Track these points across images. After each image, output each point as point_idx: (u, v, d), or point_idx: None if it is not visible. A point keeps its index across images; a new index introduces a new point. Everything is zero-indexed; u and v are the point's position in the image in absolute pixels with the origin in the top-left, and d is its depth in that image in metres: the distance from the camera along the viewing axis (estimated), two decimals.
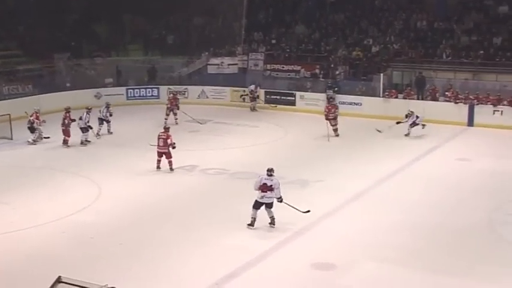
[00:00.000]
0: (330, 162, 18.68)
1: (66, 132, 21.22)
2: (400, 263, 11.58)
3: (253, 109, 27.82)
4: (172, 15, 32.61)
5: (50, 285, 7.77)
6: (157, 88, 29.65)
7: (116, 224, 13.61)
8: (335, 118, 22.47)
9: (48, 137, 21.40)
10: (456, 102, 24.55)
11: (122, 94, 29.30)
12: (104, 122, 22.74)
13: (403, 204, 14.76)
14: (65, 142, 21.15)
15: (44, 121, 21.54)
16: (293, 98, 27.89)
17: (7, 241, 12.69)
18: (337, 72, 28.69)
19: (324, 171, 17.45)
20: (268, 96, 28.38)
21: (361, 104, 26.33)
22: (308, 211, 13.42)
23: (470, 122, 24.06)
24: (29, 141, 21.15)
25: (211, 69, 30.80)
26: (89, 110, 21.66)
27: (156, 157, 17.74)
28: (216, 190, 16.16)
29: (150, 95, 29.52)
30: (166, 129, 18.18)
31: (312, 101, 27.42)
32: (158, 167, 17.80)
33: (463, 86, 25.52)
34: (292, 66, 29.88)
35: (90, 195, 15.53)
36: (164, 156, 17.72)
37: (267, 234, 12.92)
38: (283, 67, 30.12)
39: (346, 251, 12.12)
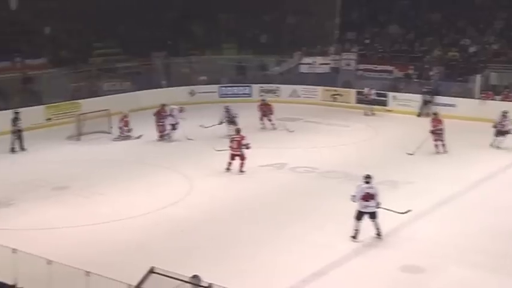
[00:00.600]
0: (420, 164, 18.28)
1: (161, 128, 21.85)
2: (491, 268, 11.21)
3: (368, 114, 26.39)
4: (265, 14, 32.84)
5: (143, 275, 8.06)
6: (249, 86, 29.98)
7: (207, 219, 13.90)
8: (441, 133, 19.83)
9: (141, 135, 22.00)
10: None
11: (215, 92, 29.82)
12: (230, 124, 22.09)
13: (495, 210, 14.25)
14: (161, 137, 21.81)
15: (130, 129, 22.01)
16: (385, 99, 27.47)
17: (103, 231, 13.22)
18: (432, 73, 27.99)
19: (414, 173, 17.10)
20: (359, 96, 28.07)
21: (455, 106, 25.58)
22: (408, 211, 13.02)
23: None
24: (115, 138, 21.89)
25: (303, 69, 30.80)
26: (181, 108, 22.13)
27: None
28: (304, 188, 16.18)
29: (242, 93, 29.86)
30: (239, 130, 17.97)
31: (405, 101, 26.90)
32: (228, 169, 17.41)
33: None
34: (385, 66, 29.42)
35: (183, 189, 15.92)
36: (238, 158, 17.43)
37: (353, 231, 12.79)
38: (375, 67, 29.70)
39: (435, 254, 11.83)
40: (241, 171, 17.31)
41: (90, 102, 24.67)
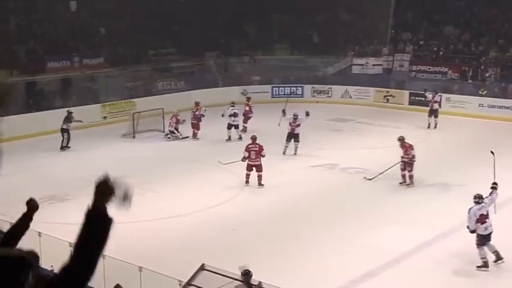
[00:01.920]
0: (474, 167, 17.82)
1: (196, 126, 22.09)
2: None
3: (430, 126, 23.71)
4: (318, 14, 32.66)
5: (194, 271, 8.15)
6: (302, 87, 29.91)
7: (257, 217, 13.98)
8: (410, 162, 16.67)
9: (188, 137, 22.18)
10: None
11: (267, 92, 29.88)
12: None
13: None
14: (194, 135, 22.10)
15: (184, 120, 22.16)
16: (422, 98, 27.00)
17: (157, 227, 13.45)
18: (488, 74, 27.36)
19: (467, 177, 16.73)
20: (412, 98, 27.67)
21: None
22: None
23: None
24: (169, 138, 22.11)
25: (355, 69, 30.57)
26: (232, 105, 22.21)
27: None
28: (355, 189, 16.08)
29: (294, 93, 29.84)
30: (255, 138, 16.46)
31: (459, 103, 26.38)
32: (247, 182, 16.20)
33: None
34: (439, 67, 28.91)
35: (233, 188, 16.04)
36: (255, 169, 16.07)
37: (407, 235, 12.64)
38: (429, 68, 29.22)
39: (491, 259, 11.56)
40: (261, 184, 16.02)
41: (145, 101, 25.06)
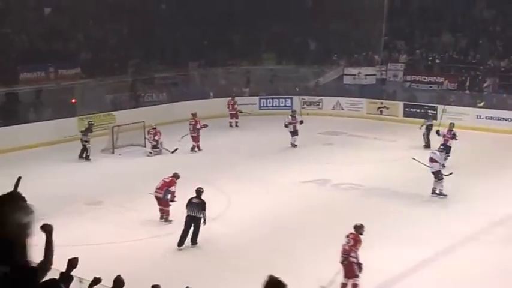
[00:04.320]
0: (473, 182, 17.93)
1: (196, 138, 22.19)
2: None
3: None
4: (308, 22, 32.76)
5: None
6: (291, 98, 29.95)
7: (245, 236, 13.89)
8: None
9: (177, 149, 22.13)
10: None
11: (255, 104, 29.91)
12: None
13: None
14: (193, 148, 22.21)
15: (205, 125, 22.43)
16: (434, 112, 27.12)
17: (133, 249, 13.31)
18: (485, 85, 27.54)
19: (466, 192, 16.79)
20: (407, 109, 27.77)
21: (511, 120, 25.12)
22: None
23: None
24: (150, 153, 22.03)
25: (347, 80, 30.67)
26: (293, 112, 22.98)
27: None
28: (348, 206, 16.04)
29: (283, 105, 29.85)
30: (175, 176, 15.31)
31: (456, 115, 26.48)
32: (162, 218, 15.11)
33: None
34: (435, 77, 29.09)
35: (220, 205, 15.94)
36: (157, 202, 15.08)
37: (403, 255, 12.61)
38: (424, 78, 29.38)
39: (496, 280, 11.55)
40: (163, 218, 14.90)
41: (125, 114, 24.96)
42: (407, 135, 24.68)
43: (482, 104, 26.53)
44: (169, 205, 14.81)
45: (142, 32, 30.13)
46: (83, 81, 27.27)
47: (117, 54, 29.63)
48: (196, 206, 13.45)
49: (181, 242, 13.27)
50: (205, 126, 22.48)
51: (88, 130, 21.48)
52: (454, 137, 19.67)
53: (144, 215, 15.23)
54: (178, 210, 14.22)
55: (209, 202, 16.03)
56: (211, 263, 12.63)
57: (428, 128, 22.95)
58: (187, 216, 13.42)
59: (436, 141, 20.26)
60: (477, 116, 26.10)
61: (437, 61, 29.76)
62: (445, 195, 16.39)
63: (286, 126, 22.80)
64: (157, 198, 14.90)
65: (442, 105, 25.41)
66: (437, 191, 16.49)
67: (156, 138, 22.02)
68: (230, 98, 27.50)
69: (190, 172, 19.24)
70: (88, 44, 29.18)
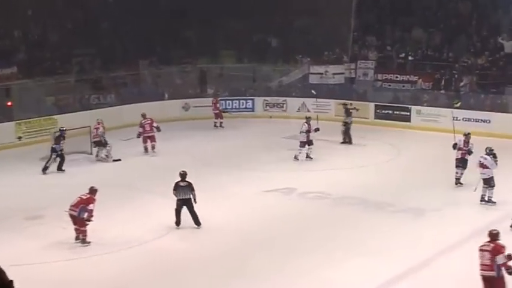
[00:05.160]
0: (449, 189, 18.21)
1: (152, 138, 22.57)
2: None
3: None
4: (271, 17, 32.86)
5: None
6: (252, 100, 30.01)
7: (205, 251, 13.85)
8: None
9: (119, 160, 21.98)
10: None
11: (212, 106, 29.84)
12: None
13: None
14: (146, 149, 22.62)
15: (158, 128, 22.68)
16: (408, 113, 27.48)
17: (81, 268, 13.17)
18: (462, 84, 27.99)
19: (441, 200, 17.05)
20: (378, 111, 28.06)
21: (489, 122, 25.59)
22: None
23: None
24: (102, 158, 21.90)
25: (313, 79, 30.78)
26: (308, 119, 22.34)
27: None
28: (317, 217, 16.14)
29: (244, 107, 29.85)
30: (92, 191, 14.94)
31: (431, 116, 26.89)
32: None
33: None
34: (408, 76, 29.45)
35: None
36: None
37: (375, 268, 12.72)
38: (396, 77, 29.73)
39: None
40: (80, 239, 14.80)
41: (68, 118, 24.68)
42: (378, 138, 24.98)
43: (458, 104, 26.88)
44: (86, 224, 14.54)
45: (87, 28, 29.84)
46: (19, 81, 26.89)
47: (58, 52, 29.28)
48: (184, 189, 15.24)
49: (178, 222, 15.17)
50: (157, 129, 22.66)
51: (60, 138, 20.86)
52: (469, 152, 18.41)
53: (91, 230, 15.09)
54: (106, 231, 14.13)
55: (162, 216, 16.07)
56: (163, 282, 12.54)
57: (347, 126, 23.96)
58: (178, 200, 15.19)
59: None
60: (453, 117, 26.45)
61: (410, 58, 30.13)
62: (494, 203, 16.58)
63: (303, 132, 21.89)
64: (71, 216, 14.60)
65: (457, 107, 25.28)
66: (487, 198, 16.66)
67: (99, 132, 21.85)
68: (213, 98, 27.92)
69: (142, 181, 19.19)
70: (25, 41, 28.78)
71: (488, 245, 10.92)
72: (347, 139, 24.04)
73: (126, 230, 15.19)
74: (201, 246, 14.25)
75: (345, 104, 25.35)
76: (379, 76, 30.14)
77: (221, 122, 27.53)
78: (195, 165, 21.04)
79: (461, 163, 18.43)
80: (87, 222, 14.48)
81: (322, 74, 30.54)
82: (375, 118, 28.03)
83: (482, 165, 16.80)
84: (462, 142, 18.61)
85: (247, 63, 32.46)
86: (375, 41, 31.53)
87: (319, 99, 27.38)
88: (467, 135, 18.81)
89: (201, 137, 24.84)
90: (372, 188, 18.20)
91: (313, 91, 26.00)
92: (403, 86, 29.40)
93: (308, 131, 21.85)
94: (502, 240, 10.88)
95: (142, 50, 31.08)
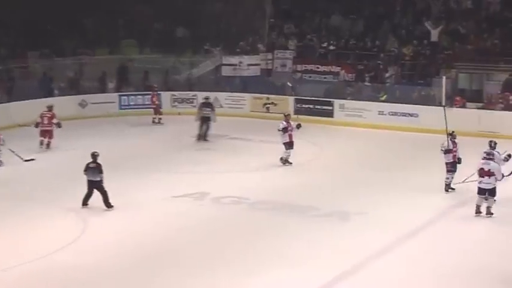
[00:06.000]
0: (376, 189, 18.46)
1: (50, 134, 22.78)
2: None
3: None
4: (176, 2, 32.68)
5: None
6: (158, 94, 29.65)
7: (104, 268, 13.54)
8: None
9: (33, 159, 21.54)
10: None
11: (114, 102, 29.46)
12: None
13: (469, 245, 14.52)
14: (42, 143, 22.73)
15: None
16: (330, 108, 27.81)
17: None
18: (387, 75, 28.54)
19: (367, 202, 17.25)
20: (298, 105, 28.27)
21: (417, 116, 26.18)
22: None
23: None
24: None
25: (226, 71, 30.79)
26: (287, 116, 21.66)
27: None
28: (232, 224, 16.05)
29: (149, 103, 29.61)
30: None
31: (355, 111, 27.30)
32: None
33: None
34: (330, 67, 29.82)
35: (72, 230, 15.52)
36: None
37: (300, 278, 12.75)
38: (317, 68, 30.06)
39: None
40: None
41: None
42: (300, 136, 25.12)
43: (384, 97, 27.49)
44: None
45: None
46: None
47: None
48: (93, 170, 16.73)
49: (84, 202, 16.79)
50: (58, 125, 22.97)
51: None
52: (459, 161, 17.90)
53: None
54: None
55: (57, 227, 15.70)
56: None
57: (205, 121, 24.41)
58: (88, 180, 16.77)
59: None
60: (379, 112, 27.00)
61: (332, 48, 30.50)
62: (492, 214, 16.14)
63: (280, 131, 21.17)
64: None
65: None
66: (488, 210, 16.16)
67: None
68: (151, 92, 28.17)
69: (29, 189, 18.66)
70: None
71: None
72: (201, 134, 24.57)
73: (13, 243, 14.76)
74: (97, 263, 13.88)
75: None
76: (299, 67, 30.39)
77: (160, 118, 27.68)
78: None
79: (454, 167, 17.99)
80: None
81: (235, 65, 30.56)
82: (294, 113, 28.21)
83: (488, 173, 15.99)
84: (450, 143, 18.02)
85: (150, 54, 32.14)
86: (293, 28, 31.78)
87: (234, 94, 27.60)
88: (452, 134, 18.23)
89: (101, 136, 24.41)
90: (292, 191, 18.27)
91: (289, 83, 25.92)
92: (325, 78, 29.72)
93: (286, 129, 21.13)
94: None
95: (32, 40, 30.34)
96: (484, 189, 15.80)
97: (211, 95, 29.40)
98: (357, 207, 16.74)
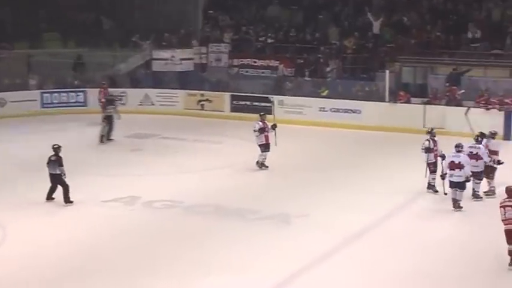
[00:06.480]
0: (317, 189, 18.58)
1: None
2: None
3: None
4: None
5: None
6: (84, 92, 29.46)
7: (28, 279, 13.33)
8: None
9: None
10: (488, 108, 24.67)
11: (35, 100, 29.01)
12: None
13: (417, 246, 14.69)
14: None
15: None
16: (269, 104, 27.82)
17: None
18: (328, 69, 28.72)
19: (308, 203, 17.33)
20: (235, 102, 28.27)
21: (360, 112, 26.40)
22: None
23: (507, 135, 24.17)
24: None
25: (157, 66, 30.65)
26: (262, 116, 21.16)
27: None
28: (165, 230, 15.94)
29: (74, 101, 29.30)
30: None
31: (295, 107, 27.39)
32: None
33: (497, 86, 25.68)
34: (268, 61, 29.88)
35: None
36: None
37: (242, 285, 12.72)
38: (255, 62, 30.10)
39: None
40: None
41: None
42: (236, 135, 25.16)
43: (325, 93, 27.65)
44: None
45: None
46: None
47: None
48: (53, 163, 17.31)
49: (48, 197, 17.48)
50: None
51: None
52: (442, 156, 17.07)
53: None
54: None
55: None
56: None
57: (108, 118, 24.23)
58: (49, 174, 17.39)
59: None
60: (320, 108, 27.15)
61: (270, 41, 30.58)
62: (481, 198, 17.39)
63: (256, 131, 20.66)
64: None
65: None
66: (480, 193, 17.42)
67: None
68: (100, 87, 26.84)
69: None
70: None
71: (509, 201, 13.36)
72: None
73: None
74: (16, 274, 13.60)
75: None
76: (235, 61, 30.40)
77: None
78: (13, 171, 20.38)
79: (436, 167, 17.76)
80: None
81: (167, 59, 30.45)
82: (231, 111, 28.22)
83: (476, 156, 17.11)
84: (431, 142, 17.89)
85: (74, 47, 31.75)
86: (228, 20, 31.77)
87: (165, 91, 27.49)
88: (432, 133, 18.18)
89: (21, 137, 24.01)
90: (229, 193, 18.24)
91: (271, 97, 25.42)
92: (263, 73, 29.81)
93: (263, 130, 20.74)
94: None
95: None
96: (456, 182, 16.40)
97: (141, 92, 29.33)
98: (299, 209, 16.80)
